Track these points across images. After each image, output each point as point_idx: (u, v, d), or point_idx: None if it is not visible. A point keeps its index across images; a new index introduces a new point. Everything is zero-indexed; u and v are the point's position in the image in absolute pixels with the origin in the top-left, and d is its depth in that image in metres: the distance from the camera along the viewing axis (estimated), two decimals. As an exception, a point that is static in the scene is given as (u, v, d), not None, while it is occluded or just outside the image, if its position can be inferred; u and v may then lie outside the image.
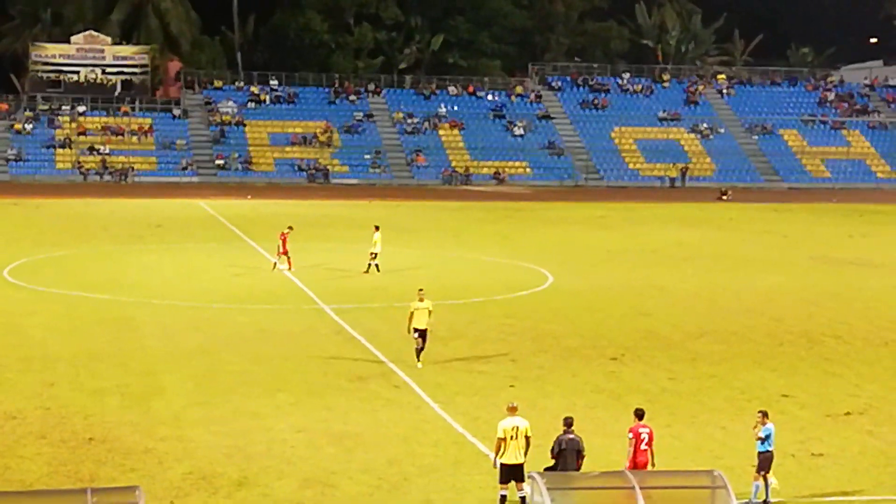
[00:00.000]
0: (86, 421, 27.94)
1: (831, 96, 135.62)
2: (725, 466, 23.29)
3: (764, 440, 23.12)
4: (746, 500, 22.93)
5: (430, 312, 34.12)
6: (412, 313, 34.00)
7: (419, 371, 33.45)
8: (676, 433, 27.80)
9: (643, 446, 22.44)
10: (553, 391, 31.60)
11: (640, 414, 22.88)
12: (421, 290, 35.10)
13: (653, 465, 22.40)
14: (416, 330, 33.91)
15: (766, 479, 23.02)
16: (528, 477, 20.80)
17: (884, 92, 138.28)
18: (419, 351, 33.96)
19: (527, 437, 22.29)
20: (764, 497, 23.03)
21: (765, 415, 23.44)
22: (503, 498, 22.06)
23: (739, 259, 60.58)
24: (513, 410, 22.64)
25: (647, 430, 22.62)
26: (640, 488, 17.92)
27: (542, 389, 31.64)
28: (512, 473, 22.10)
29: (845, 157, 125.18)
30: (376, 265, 52.16)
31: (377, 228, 52.85)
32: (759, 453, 23.18)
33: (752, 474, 23.24)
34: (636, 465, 22.12)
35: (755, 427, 23.33)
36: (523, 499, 21.84)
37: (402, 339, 38.02)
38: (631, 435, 22.50)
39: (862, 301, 48.00)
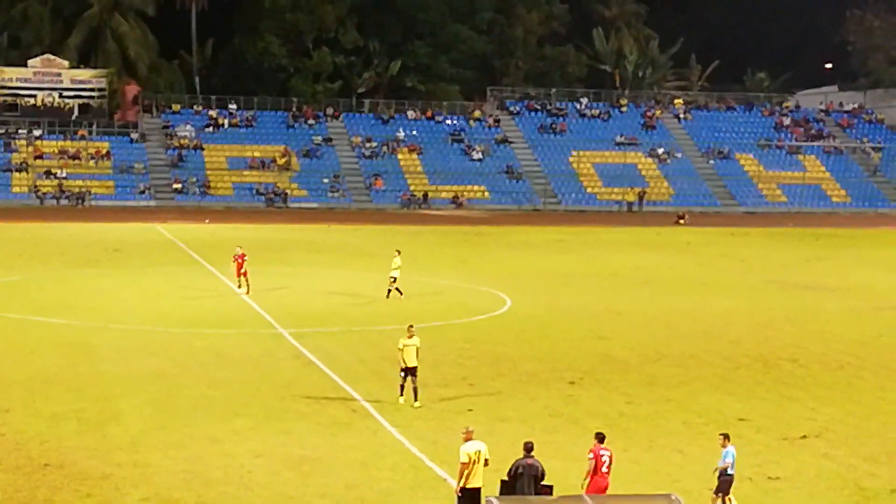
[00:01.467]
0: (41, 446, 27.74)
1: (787, 121, 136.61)
2: (683, 490, 23.38)
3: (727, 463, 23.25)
4: None
5: (417, 349, 32.42)
6: (401, 350, 32.37)
7: (377, 395, 33.39)
8: (634, 457, 27.86)
9: (604, 469, 22.47)
10: (511, 415, 31.61)
11: (601, 437, 22.93)
12: (411, 326, 33.30)
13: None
14: (404, 369, 32.31)
15: (724, 503, 23.11)
16: (486, 501, 20.79)
17: (839, 117, 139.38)
18: (404, 388, 32.33)
19: (485, 461, 22.32)
20: None
21: (726, 437, 23.56)
22: (461, 522, 22.06)
23: (696, 283, 60.86)
24: (470, 435, 22.64)
25: (608, 452, 22.68)
26: (598, 512, 17.95)
27: (499, 413, 31.65)
28: (470, 498, 22.09)
29: (801, 181, 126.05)
30: (397, 289, 52.07)
31: (398, 252, 52.90)
32: (719, 476, 23.27)
33: (711, 497, 23.32)
34: (597, 488, 22.14)
35: (723, 446, 23.44)
36: (481, 523, 21.85)
37: (361, 363, 38.08)
38: (591, 456, 22.52)
39: (818, 325, 48.30)
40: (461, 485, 22.24)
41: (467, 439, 22.58)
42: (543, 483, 21.85)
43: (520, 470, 21.94)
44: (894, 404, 34.24)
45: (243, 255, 52.89)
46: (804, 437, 30.07)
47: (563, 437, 29.22)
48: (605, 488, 22.27)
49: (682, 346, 42.61)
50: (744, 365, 39.37)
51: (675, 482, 25.61)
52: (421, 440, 28.88)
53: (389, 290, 52.20)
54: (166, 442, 28.27)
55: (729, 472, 23.24)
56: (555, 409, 32.56)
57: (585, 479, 22.47)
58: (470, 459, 22.19)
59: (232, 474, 25.86)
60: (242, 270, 52.66)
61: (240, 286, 52.91)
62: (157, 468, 26.16)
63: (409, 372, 32.24)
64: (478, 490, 22.09)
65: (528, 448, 22.29)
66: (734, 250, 79.10)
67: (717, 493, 23.19)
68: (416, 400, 32.06)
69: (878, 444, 29.57)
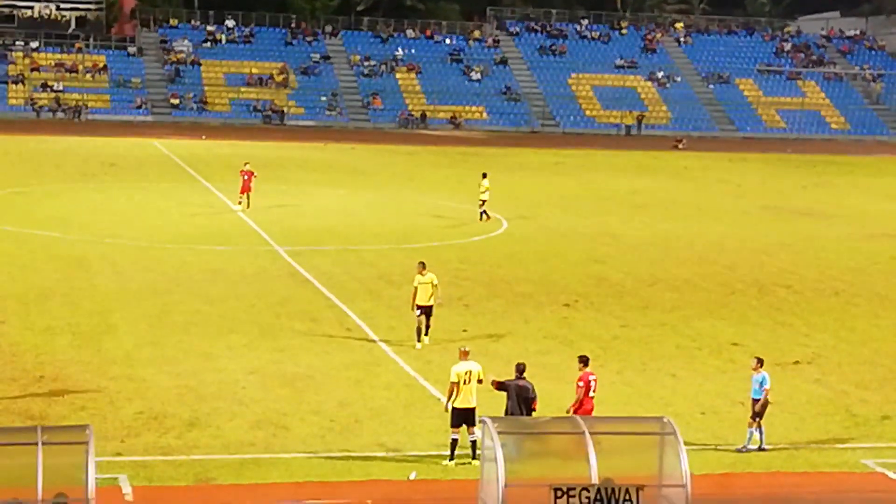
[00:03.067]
0: (37, 359, 27.85)
1: (788, 47, 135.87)
2: (675, 413, 23.51)
3: (759, 387, 23.41)
4: (741, 446, 23.37)
5: (434, 286, 30.40)
6: (415, 289, 30.36)
7: (372, 313, 33.49)
8: (627, 380, 28.01)
9: (591, 393, 22.62)
10: (505, 336, 31.72)
11: (585, 360, 23.05)
12: (422, 262, 31.15)
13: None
14: (419, 307, 30.27)
15: (759, 426, 23.34)
16: (480, 421, 20.90)
17: (840, 43, 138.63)
18: (420, 330, 30.28)
19: (479, 381, 22.40)
20: (759, 444, 23.45)
21: (760, 362, 23.68)
22: (454, 441, 22.18)
23: (693, 208, 60.85)
24: (465, 355, 22.75)
25: (594, 376, 22.86)
26: (591, 434, 18.02)
27: (494, 335, 31.74)
28: (464, 417, 22.21)
29: (800, 107, 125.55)
30: (485, 212, 52.04)
31: (485, 176, 52.79)
32: (754, 401, 23.42)
33: (747, 421, 23.52)
34: (583, 412, 22.24)
35: (756, 370, 23.64)
36: (474, 443, 21.98)
37: (356, 281, 38.17)
38: (582, 383, 22.62)
39: (813, 251, 48.36)
40: (451, 402, 22.35)
41: (462, 359, 22.68)
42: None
43: (512, 391, 22.07)
44: (887, 331, 34.40)
45: (251, 172, 52.87)
46: (797, 362, 30.21)
47: (557, 359, 29.30)
48: (591, 411, 22.39)
49: (678, 270, 42.68)
50: (738, 290, 39.47)
51: (668, 405, 25.75)
52: (415, 359, 28.99)
53: (482, 214, 52.12)
54: (160, 357, 28.37)
55: (755, 396, 23.41)
56: (549, 330, 32.66)
57: (573, 405, 22.54)
58: (459, 378, 22.29)
59: (225, 390, 25.97)
60: (249, 187, 52.71)
61: (239, 202, 52.84)
62: (150, 383, 26.27)
63: (424, 311, 30.36)
64: (469, 410, 22.20)
65: (520, 369, 22.40)
66: (731, 176, 78.99)
67: (752, 417, 23.33)
68: (426, 335, 30.37)
69: (869, 370, 29.73)
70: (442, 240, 47.33)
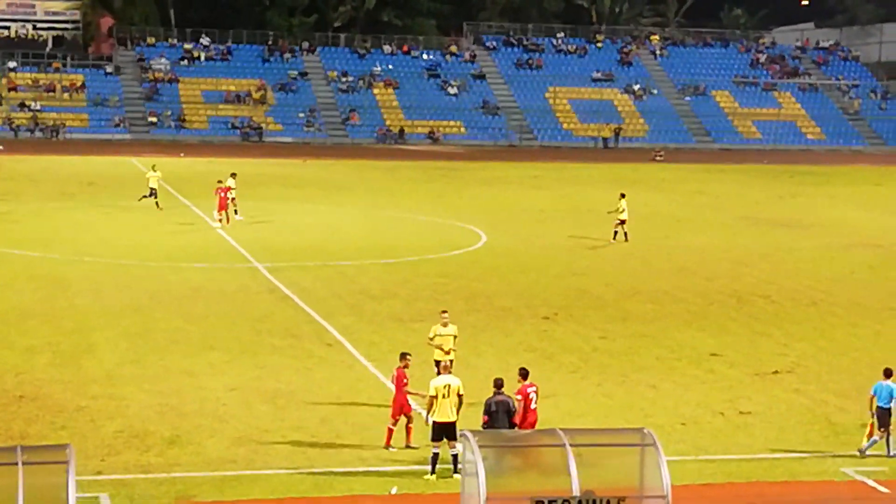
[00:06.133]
0: (16, 378, 27.79)
1: (763, 58, 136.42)
2: (655, 424, 23.57)
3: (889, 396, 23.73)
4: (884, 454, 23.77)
5: (455, 338, 27.71)
6: (432, 340, 27.64)
7: (352, 329, 33.50)
8: (607, 391, 28.09)
9: (532, 405, 22.77)
10: (486, 350, 31.76)
11: (525, 374, 23.18)
12: (444, 312, 28.74)
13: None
14: (438, 362, 26.47)
15: (888, 435, 23.72)
16: (460, 435, 20.94)
17: (815, 54, 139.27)
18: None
19: (459, 396, 22.45)
20: (886, 452, 23.81)
21: (887, 373, 23.99)
22: (435, 456, 22.23)
23: (671, 219, 61.00)
24: (445, 369, 22.82)
25: (535, 388, 23.04)
26: (571, 446, 18.06)
27: (475, 349, 31.76)
28: (444, 431, 22.26)
29: (776, 118, 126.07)
30: (624, 233, 51.72)
31: (623, 196, 52.47)
32: (879, 409, 23.72)
33: (873, 430, 23.85)
34: (528, 424, 22.41)
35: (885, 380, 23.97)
36: (455, 456, 22.02)
37: (336, 297, 38.18)
38: (520, 397, 22.75)
39: (791, 261, 48.54)
40: (430, 416, 22.43)
41: (443, 373, 22.78)
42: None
43: (493, 407, 22.17)
44: (865, 340, 34.54)
45: (227, 188, 53.03)
46: (776, 372, 30.31)
47: (538, 372, 29.13)
48: (535, 423, 22.55)
49: (657, 282, 42.79)
50: (717, 301, 39.59)
51: (648, 416, 25.83)
52: (395, 374, 28.97)
53: (616, 233, 51.83)
54: (141, 375, 28.34)
55: (883, 405, 23.75)
56: (529, 344, 32.73)
57: (518, 418, 22.62)
58: (437, 392, 22.35)
59: (207, 407, 25.96)
60: (232, 200, 53.00)
61: (219, 220, 52.81)
62: (131, 401, 26.24)
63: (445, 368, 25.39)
64: (450, 424, 22.25)
65: (499, 385, 22.50)
66: (709, 187, 79.25)
67: (879, 427, 23.70)
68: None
69: (848, 379, 29.82)
70: (421, 254, 47.39)
